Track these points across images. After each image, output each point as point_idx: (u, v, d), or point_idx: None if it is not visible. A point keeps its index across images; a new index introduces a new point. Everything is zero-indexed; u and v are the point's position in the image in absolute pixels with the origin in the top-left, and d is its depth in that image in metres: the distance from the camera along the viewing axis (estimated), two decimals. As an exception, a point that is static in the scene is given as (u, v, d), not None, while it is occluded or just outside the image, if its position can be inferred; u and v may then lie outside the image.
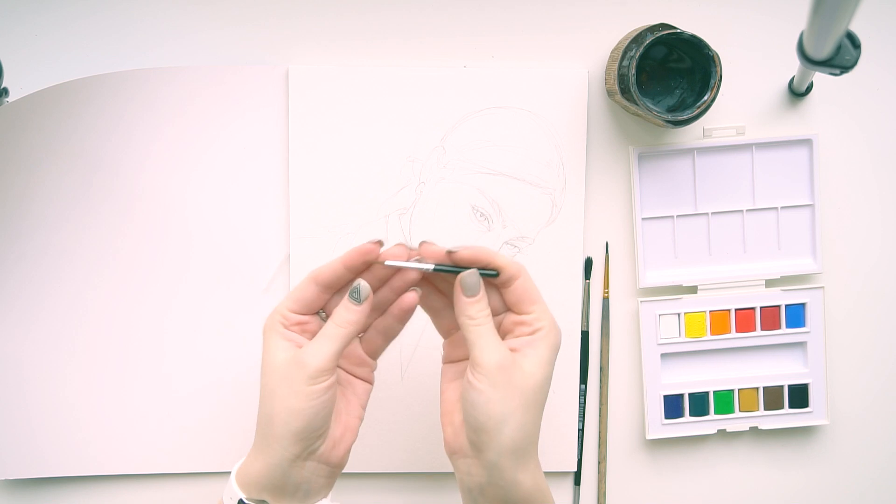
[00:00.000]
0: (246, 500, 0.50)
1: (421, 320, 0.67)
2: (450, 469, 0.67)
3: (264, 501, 0.50)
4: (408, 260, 0.52)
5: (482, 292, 0.51)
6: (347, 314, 0.51)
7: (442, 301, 0.55)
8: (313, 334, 0.51)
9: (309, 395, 0.49)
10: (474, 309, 0.51)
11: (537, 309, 0.51)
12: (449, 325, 0.55)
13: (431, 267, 0.52)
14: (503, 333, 0.53)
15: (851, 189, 0.68)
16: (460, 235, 0.66)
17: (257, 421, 0.51)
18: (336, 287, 0.52)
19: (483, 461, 0.50)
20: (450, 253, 0.52)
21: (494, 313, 0.53)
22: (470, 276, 0.51)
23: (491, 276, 0.52)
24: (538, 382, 0.50)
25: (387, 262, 0.52)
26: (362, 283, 0.51)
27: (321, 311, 0.53)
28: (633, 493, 0.69)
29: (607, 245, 0.68)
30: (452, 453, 0.52)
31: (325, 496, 0.52)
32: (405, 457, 0.67)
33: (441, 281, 0.54)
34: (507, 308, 0.53)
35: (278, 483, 0.50)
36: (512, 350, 0.51)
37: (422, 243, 0.53)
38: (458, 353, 0.55)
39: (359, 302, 0.51)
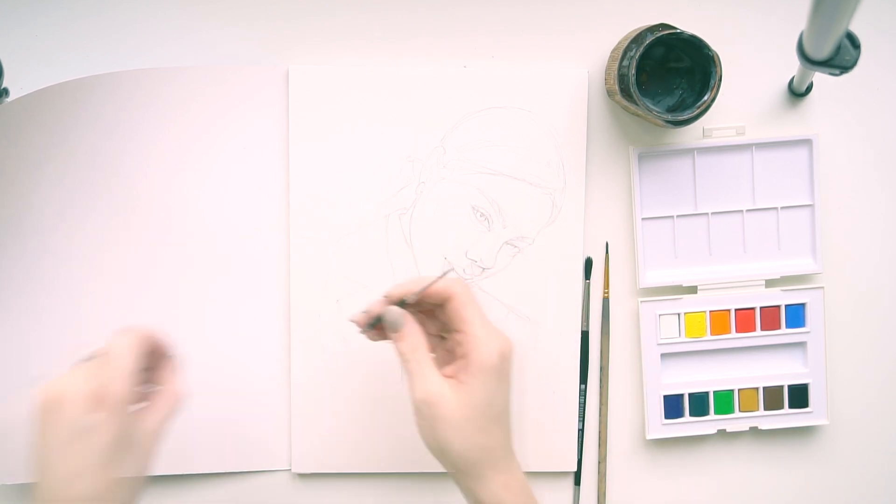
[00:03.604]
0: None
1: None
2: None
3: None
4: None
5: (407, 327, 0.53)
6: None
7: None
8: None
9: None
10: (400, 346, 0.53)
11: (468, 328, 0.52)
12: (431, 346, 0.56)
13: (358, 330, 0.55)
14: (453, 357, 0.54)
15: (851, 189, 0.68)
16: (460, 235, 0.66)
17: None
18: None
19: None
20: (385, 297, 0.54)
21: (445, 330, 0.55)
22: (389, 314, 0.53)
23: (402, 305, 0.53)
24: (477, 406, 0.51)
25: None
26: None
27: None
28: (633, 493, 0.69)
29: (607, 245, 0.68)
30: None
31: None
32: (404, 457, 0.67)
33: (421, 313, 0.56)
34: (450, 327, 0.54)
35: None
36: (448, 377, 0.52)
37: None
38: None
39: None
